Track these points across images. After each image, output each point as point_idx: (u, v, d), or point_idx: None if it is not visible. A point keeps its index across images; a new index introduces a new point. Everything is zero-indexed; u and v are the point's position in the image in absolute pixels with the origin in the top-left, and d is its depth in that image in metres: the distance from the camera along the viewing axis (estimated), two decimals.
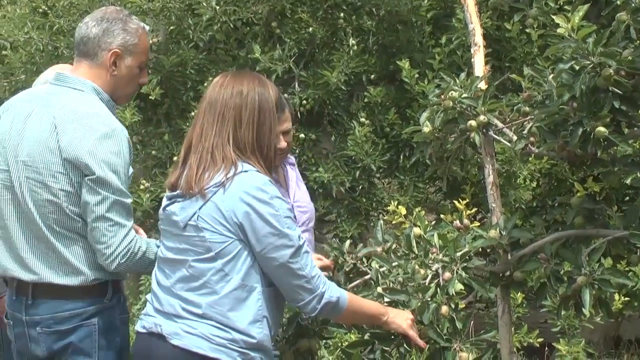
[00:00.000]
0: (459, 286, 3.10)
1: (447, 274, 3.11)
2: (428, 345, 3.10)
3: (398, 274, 3.22)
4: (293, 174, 3.96)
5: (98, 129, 3.10)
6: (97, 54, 3.24)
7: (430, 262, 3.17)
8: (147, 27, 3.36)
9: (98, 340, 3.17)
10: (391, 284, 3.23)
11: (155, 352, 2.97)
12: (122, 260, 3.09)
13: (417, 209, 3.77)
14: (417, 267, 3.18)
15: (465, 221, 3.42)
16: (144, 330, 3.02)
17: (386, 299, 3.17)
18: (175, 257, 2.98)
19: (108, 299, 3.19)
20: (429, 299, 3.07)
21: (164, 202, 3.05)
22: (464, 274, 3.12)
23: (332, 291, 2.98)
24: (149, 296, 3.09)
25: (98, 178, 3.07)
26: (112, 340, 3.23)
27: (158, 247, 3.12)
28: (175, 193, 2.99)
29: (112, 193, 3.08)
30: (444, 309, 3.05)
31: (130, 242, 3.10)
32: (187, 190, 2.93)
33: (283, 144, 3.61)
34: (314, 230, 4.20)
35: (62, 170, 3.10)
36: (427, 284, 3.12)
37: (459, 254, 3.15)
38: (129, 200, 3.16)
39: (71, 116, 3.13)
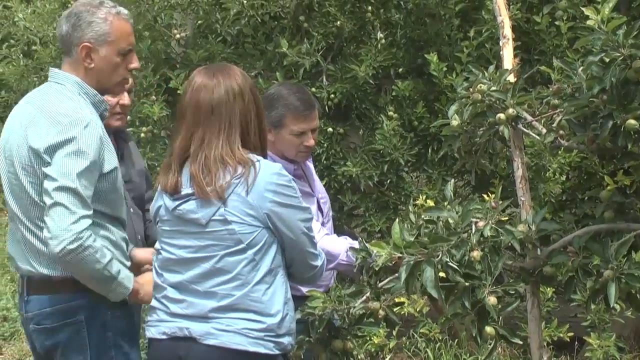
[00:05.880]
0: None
1: (481, 223, 3.07)
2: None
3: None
4: (311, 166, 3.96)
5: (61, 121, 3.07)
6: (71, 50, 3.24)
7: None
8: (125, 12, 3.27)
9: (88, 338, 3.12)
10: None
11: (186, 356, 2.93)
12: (71, 247, 2.93)
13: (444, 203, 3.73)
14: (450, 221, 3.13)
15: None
16: (164, 337, 2.98)
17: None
18: (193, 256, 2.96)
19: (92, 292, 3.10)
20: (464, 237, 3.02)
21: (169, 203, 2.99)
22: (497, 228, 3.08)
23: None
24: (155, 303, 3.05)
25: (54, 167, 3.02)
26: (103, 337, 3.17)
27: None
28: (186, 192, 2.96)
29: (65, 181, 3.00)
30: (476, 253, 3.00)
31: (81, 232, 2.95)
32: (200, 193, 2.91)
33: (311, 141, 3.60)
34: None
35: (29, 163, 3.10)
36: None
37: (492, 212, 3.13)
38: (87, 192, 3.02)
39: (40, 110, 3.14)
